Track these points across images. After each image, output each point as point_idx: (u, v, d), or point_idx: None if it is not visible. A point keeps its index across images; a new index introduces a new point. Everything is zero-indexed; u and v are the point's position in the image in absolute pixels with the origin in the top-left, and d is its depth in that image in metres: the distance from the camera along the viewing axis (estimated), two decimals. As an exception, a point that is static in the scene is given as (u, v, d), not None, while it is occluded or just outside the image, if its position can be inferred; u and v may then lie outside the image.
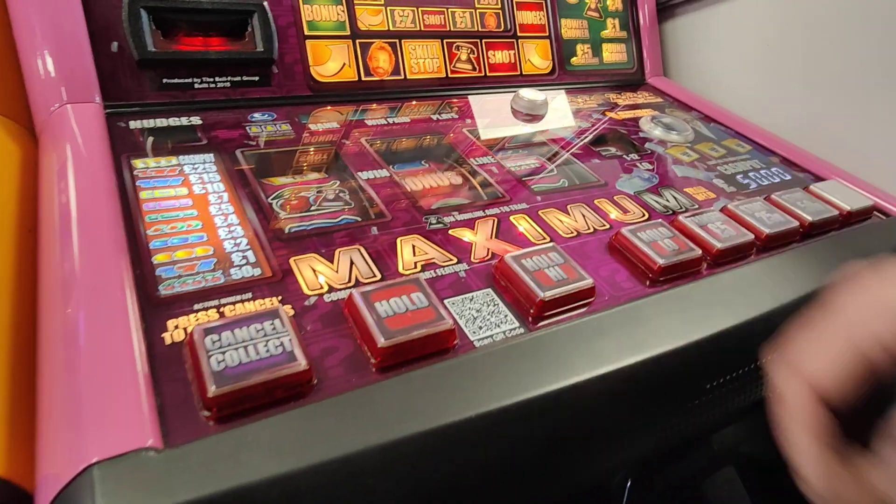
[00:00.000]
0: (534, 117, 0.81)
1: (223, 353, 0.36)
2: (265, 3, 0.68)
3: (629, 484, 0.58)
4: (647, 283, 0.52)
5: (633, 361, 0.42)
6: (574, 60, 0.92)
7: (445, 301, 0.46)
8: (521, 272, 0.47)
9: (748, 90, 0.96)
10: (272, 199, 0.55)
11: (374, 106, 0.74)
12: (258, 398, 0.35)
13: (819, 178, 0.78)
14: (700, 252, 0.54)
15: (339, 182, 0.60)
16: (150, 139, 0.58)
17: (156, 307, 0.40)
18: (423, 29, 0.79)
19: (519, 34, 0.87)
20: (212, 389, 0.33)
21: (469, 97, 0.81)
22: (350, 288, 0.45)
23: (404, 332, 0.39)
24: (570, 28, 0.92)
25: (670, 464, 0.63)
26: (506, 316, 0.45)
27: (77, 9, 0.59)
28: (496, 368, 0.39)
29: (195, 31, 0.66)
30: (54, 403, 0.34)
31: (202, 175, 0.55)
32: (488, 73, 0.84)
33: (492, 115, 0.79)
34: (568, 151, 0.73)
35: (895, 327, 0.28)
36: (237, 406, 0.34)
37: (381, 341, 0.39)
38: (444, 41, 0.81)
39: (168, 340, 0.38)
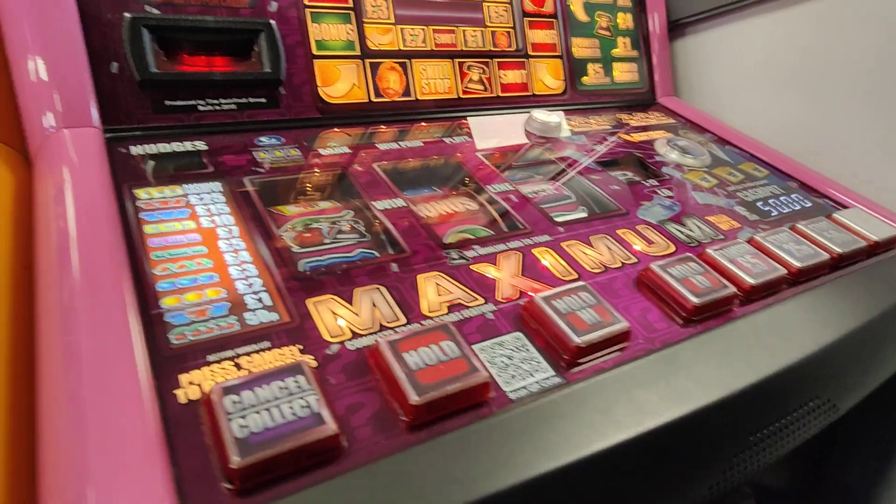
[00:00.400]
0: (547, 139, 0.78)
1: (245, 416, 0.32)
2: (272, 22, 0.65)
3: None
4: (681, 322, 0.50)
5: (679, 415, 0.39)
6: (585, 80, 0.91)
7: (474, 346, 0.43)
8: (554, 315, 0.44)
9: (759, 110, 0.95)
10: (284, 232, 0.52)
11: (383, 128, 0.72)
12: (284, 466, 0.32)
13: (839, 204, 0.76)
14: (733, 290, 0.52)
15: (352, 212, 0.57)
16: (153, 166, 0.55)
17: (166, 359, 0.37)
18: (433, 48, 0.77)
19: (530, 53, 0.85)
20: (236, 460, 0.30)
21: (480, 118, 0.79)
22: (374, 333, 0.42)
23: (437, 388, 0.37)
24: (582, 47, 0.91)
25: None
26: (539, 363, 0.43)
27: (75, 26, 0.56)
28: (537, 429, 0.36)
29: (198, 51, 0.63)
30: (58, 478, 0.31)
31: (209, 206, 0.52)
32: (500, 94, 0.82)
33: (504, 137, 0.77)
34: (585, 176, 0.71)
35: None
36: (262, 476, 0.31)
37: (414, 398, 0.36)
38: (456, 61, 0.78)
39: (182, 399, 0.35)
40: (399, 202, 0.58)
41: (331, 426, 0.33)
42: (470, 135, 0.75)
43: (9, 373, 0.39)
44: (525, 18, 0.85)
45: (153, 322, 0.39)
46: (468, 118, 0.78)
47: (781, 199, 0.75)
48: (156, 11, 0.59)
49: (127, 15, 0.58)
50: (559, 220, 0.61)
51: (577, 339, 0.43)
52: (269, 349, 0.39)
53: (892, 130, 0.79)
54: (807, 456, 0.83)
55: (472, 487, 0.32)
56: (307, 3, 0.68)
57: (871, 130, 0.81)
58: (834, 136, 0.85)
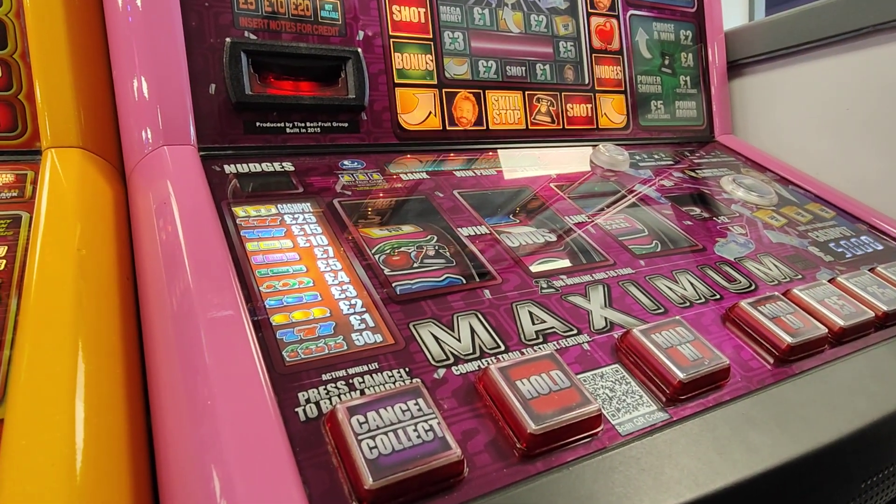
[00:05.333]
0: (614, 173, 0.79)
1: (373, 437, 0.33)
2: (359, 50, 0.67)
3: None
4: (773, 361, 0.49)
5: (793, 456, 0.38)
6: (647, 116, 0.91)
7: (578, 377, 0.42)
8: (654, 349, 0.44)
9: (817, 151, 0.95)
10: (374, 253, 0.53)
11: (454, 156, 0.73)
12: (413, 491, 0.32)
13: (910, 249, 0.75)
14: (825, 330, 0.51)
15: (436, 237, 0.58)
16: (245, 184, 0.56)
17: (282, 377, 0.37)
18: (505, 80, 0.78)
19: (597, 88, 0.86)
20: (369, 482, 0.30)
21: (549, 149, 0.80)
22: (476, 359, 0.42)
23: (553, 417, 0.36)
24: (645, 84, 0.92)
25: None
26: (641, 397, 0.42)
27: (180, 49, 0.58)
28: (655, 463, 0.36)
29: (288, 76, 0.65)
30: (191, 491, 0.31)
31: (304, 226, 0.53)
32: (566, 127, 0.83)
33: (573, 169, 0.77)
34: (657, 210, 0.71)
35: None
36: (391, 499, 0.31)
37: (532, 427, 0.36)
38: (526, 93, 0.80)
39: (302, 417, 0.35)
40: (483, 229, 0.59)
41: (456, 451, 0.33)
42: (540, 165, 0.76)
43: (122, 371, 0.40)
44: (593, 54, 0.86)
45: (267, 340, 0.40)
46: (539, 148, 0.79)
47: (852, 240, 0.74)
48: (253, 37, 0.62)
49: (228, 40, 0.60)
50: (638, 252, 0.61)
51: (682, 375, 0.42)
52: (378, 371, 0.40)
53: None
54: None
55: (599, 521, 0.32)
56: (392, 33, 0.70)
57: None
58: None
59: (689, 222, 0.70)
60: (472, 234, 0.58)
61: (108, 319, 0.43)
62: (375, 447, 0.32)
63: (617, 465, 0.35)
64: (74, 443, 0.33)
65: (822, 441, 0.40)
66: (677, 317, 0.49)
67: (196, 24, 0.59)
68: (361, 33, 0.68)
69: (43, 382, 0.36)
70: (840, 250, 0.71)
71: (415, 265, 0.53)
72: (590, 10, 0.87)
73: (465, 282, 0.51)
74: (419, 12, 0.73)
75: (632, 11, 0.91)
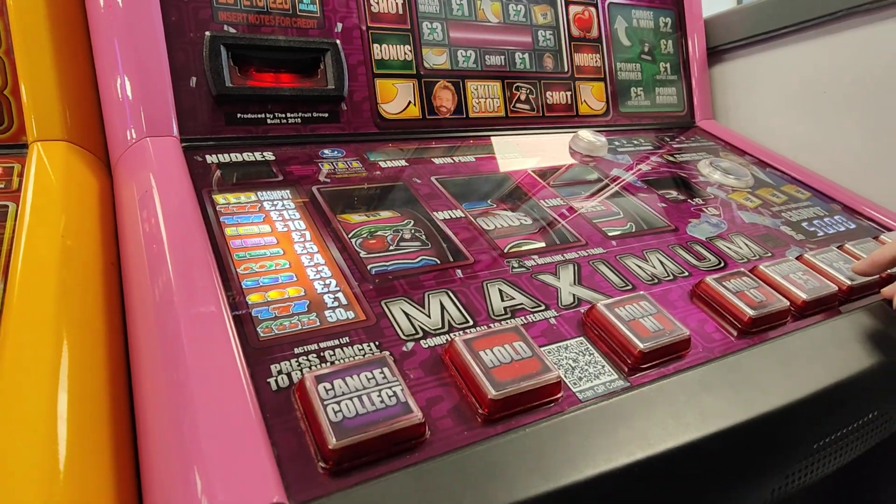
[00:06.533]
0: (593, 159, 0.80)
1: (338, 402, 0.34)
2: (338, 42, 0.69)
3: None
4: (736, 334, 0.51)
5: (745, 419, 0.40)
6: (627, 102, 0.93)
7: (542, 349, 0.44)
8: (617, 322, 0.46)
9: (796, 134, 0.96)
10: (351, 238, 0.55)
11: (435, 144, 0.74)
12: (375, 451, 0.34)
13: (882, 227, 0.77)
14: (787, 303, 0.53)
15: (413, 222, 0.59)
16: (227, 173, 0.58)
17: (256, 351, 0.39)
18: (484, 69, 0.80)
19: (576, 76, 0.88)
20: (332, 442, 0.32)
21: (528, 136, 0.81)
22: (444, 333, 0.44)
23: (514, 384, 0.38)
24: (625, 70, 0.93)
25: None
26: (603, 366, 0.44)
27: (161, 44, 0.60)
28: (610, 427, 0.38)
29: (268, 68, 0.67)
30: (166, 457, 0.33)
31: (282, 212, 0.55)
32: (545, 114, 0.85)
33: (552, 155, 0.79)
34: (632, 194, 0.73)
35: None
36: (355, 459, 0.33)
37: (493, 393, 0.37)
38: (505, 81, 0.81)
39: (274, 387, 0.37)
40: (458, 213, 0.61)
41: (418, 415, 0.35)
42: (519, 152, 0.77)
43: (106, 359, 0.42)
44: (571, 42, 0.88)
45: (241, 317, 0.42)
46: (529, 137, 0.80)
47: (825, 220, 0.76)
48: (233, 30, 0.63)
49: (208, 33, 0.62)
50: (611, 234, 0.62)
51: (641, 345, 0.44)
52: (349, 345, 0.42)
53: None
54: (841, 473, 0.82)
55: (551, 478, 0.34)
56: (370, 24, 0.72)
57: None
58: (879, 163, 0.86)
59: (664, 204, 0.72)
60: (448, 217, 0.60)
61: (92, 303, 0.45)
62: (340, 411, 0.34)
63: (573, 427, 0.37)
64: (56, 434, 0.34)
65: (775, 405, 0.42)
66: (642, 292, 0.51)
67: (176, 19, 0.61)
68: (340, 25, 0.70)
69: (25, 370, 0.37)
70: (812, 229, 0.73)
71: (391, 248, 0.55)
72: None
73: (439, 262, 0.53)
74: (397, 3, 0.74)
75: (610, 0, 0.93)
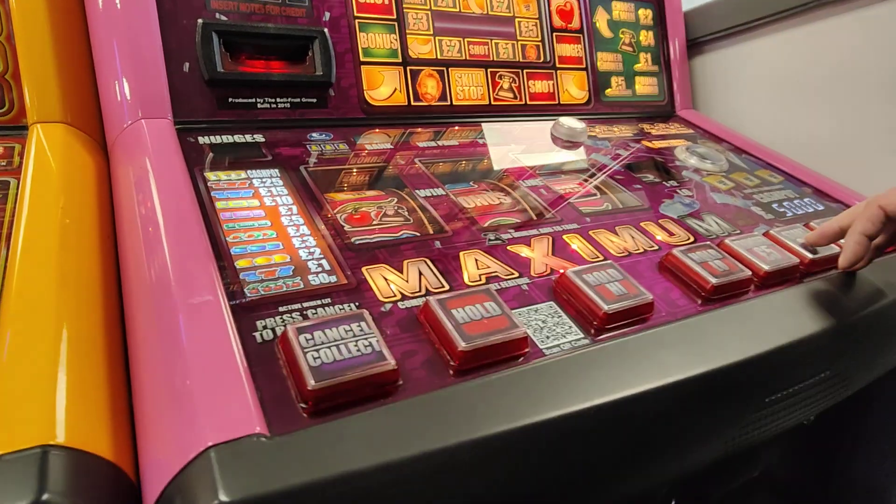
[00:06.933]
0: (573, 144, 0.83)
1: (318, 350, 0.37)
2: (325, 31, 0.72)
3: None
4: (700, 301, 0.54)
5: (699, 372, 0.43)
6: (608, 92, 0.96)
7: (513, 311, 0.47)
8: (584, 286, 0.49)
9: (772, 122, 0.99)
10: (336, 213, 0.57)
11: (420, 130, 0.77)
12: (351, 394, 0.36)
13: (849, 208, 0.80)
14: (749, 273, 0.56)
15: (396, 199, 0.62)
16: (219, 154, 0.61)
17: (244, 308, 0.42)
18: (468, 58, 0.83)
19: (558, 66, 0.91)
20: (311, 383, 0.35)
21: (511, 124, 0.84)
22: (421, 297, 0.47)
23: (482, 338, 0.41)
24: (606, 61, 0.96)
25: (712, 486, 0.63)
26: (570, 327, 0.47)
27: (155, 31, 0.63)
28: (570, 376, 0.41)
29: (258, 55, 0.70)
30: (159, 396, 0.36)
31: (270, 189, 0.57)
32: (528, 102, 0.88)
33: (534, 141, 0.82)
34: (609, 177, 0.76)
35: None
36: (332, 400, 0.36)
37: (462, 345, 0.40)
38: (488, 70, 0.84)
39: (259, 339, 0.40)
40: (439, 191, 0.64)
41: (391, 362, 0.38)
42: (502, 138, 0.80)
43: (104, 315, 0.45)
44: (553, 33, 0.91)
45: (231, 280, 0.45)
46: (511, 124, 0.83)
47: (795, 202, 0.79)
48: (224, 18, 0.66)
49: (200, 21, 0.65)
50: (586, 211, 0.65)
51: (606, 307, 0.47)
52: (330, 304, 0.44)
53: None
54: (821, 448, 0.85)
55: (513, 417, 0.37)
56: (357, 14, 0.75)
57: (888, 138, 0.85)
58: (850, 148, 0.90)
59: (640, 186, 0.75)
60: (430, 195, 0.63)
61: (89, 265, 0.48)
62: (319, 358, 0.37)
63: (536, 375, 0.40)
64: (56, 375, 0.37)
65: (729, 360, 0.45)
66: (610, 261, 0.54)
67: (170, 7, 0.64)
68: (328, 14, 0.73)
69: (27, 320, 0.40)
70: (782, 210, 0.76)
71: (374, 223, 0.58)
72: (550, -8, 0.92)
73: (419, 235, 0.56)
74: (383, -6, 0.77)
75: (591, -8, 0.96)
